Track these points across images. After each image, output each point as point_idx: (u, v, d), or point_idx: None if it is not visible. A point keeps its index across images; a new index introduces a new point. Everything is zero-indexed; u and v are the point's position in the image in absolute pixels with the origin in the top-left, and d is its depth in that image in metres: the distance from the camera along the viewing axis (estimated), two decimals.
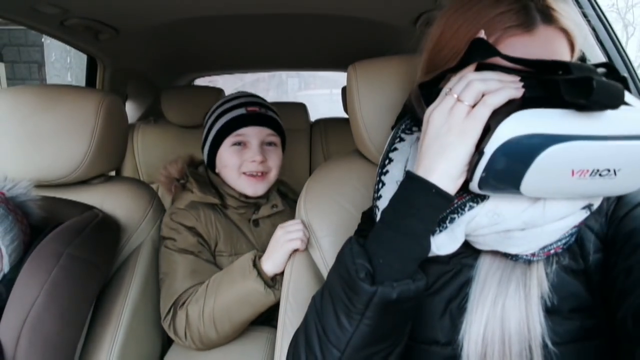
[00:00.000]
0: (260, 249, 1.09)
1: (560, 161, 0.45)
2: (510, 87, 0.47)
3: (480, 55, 0.50)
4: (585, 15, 0.73)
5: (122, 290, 0.98)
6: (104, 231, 0.93)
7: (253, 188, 1.11)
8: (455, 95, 0.49)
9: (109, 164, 1.06)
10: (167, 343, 1.13)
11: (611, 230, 0.55)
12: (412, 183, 0.51)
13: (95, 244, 0.87)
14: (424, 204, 0.50)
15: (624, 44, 0.80)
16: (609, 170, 0.45)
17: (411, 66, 0.57)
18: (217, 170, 1.15)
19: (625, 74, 0.76)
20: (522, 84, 0.48)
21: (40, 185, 0.94)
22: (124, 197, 1.06)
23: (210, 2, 1.25)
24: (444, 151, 0.49)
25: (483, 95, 0.48)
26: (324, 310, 0.55)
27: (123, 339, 0.93)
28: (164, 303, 1.02)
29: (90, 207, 0.96)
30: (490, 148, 0.46)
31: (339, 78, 2.53)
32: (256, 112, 1.12)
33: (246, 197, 1.13)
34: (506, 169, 0.46)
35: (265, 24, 1.49)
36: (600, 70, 0.47)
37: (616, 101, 0.43)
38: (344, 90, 2.15)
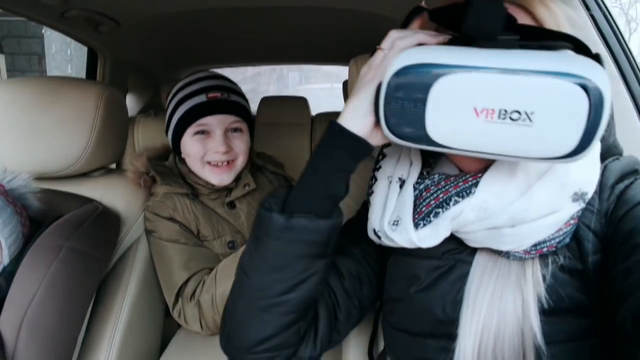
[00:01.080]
0: (241, 229, 1.10)
1: (457, 95, 0.43)
2: (423, 34, 0.50)
3: (413, 15, 0.55)
4: (588, 9, 0.73)
5: (121, 283, 0.98)
6: (104, 224, 0.93)
7: (219, 178, 1.07)
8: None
9: (109, 156, 1.06)
10: (167, 335, 1.14)
11: (610, 230, 0.54)
12: (328, 128, 0.55)
13: (95, 237, 0.87)
14: (332, 144, 0.54)
15: (626, 39, 0.80)
16: (519, 114, 0.41)
17: None
18: (183, 157, 1.11)
19: (629, 69, 0.76)
20: (445, 37, 0.50)
21: (40, 178, 0.94)
22: (124, 190, 1.06)
23: None
24: (357, 92, 0.53)
25: None
26: (245, 250, 0.60)
27: (123, 332, 0.94)
28: (168, 295, 1.02)
29: (90, 200, 0.96)
30: (385, 79, 0.46)
31: (340, 72, 2.52)
32: (217, 98, 1.05)
33: (213, 184, 1.10)
34: (406, 105, 0.46)
35: (266, 17, 1.48)
36: (566, 44, 0.45)
37: (494, 20, 0.43)
38: (345, 84, 2.15)
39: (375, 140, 0.54)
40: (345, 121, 0.53)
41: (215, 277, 0.98)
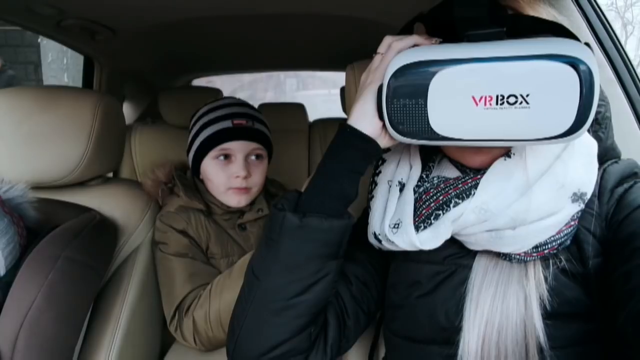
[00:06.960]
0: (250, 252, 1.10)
1: (455, 87, 0.45)
2: (417, 36, 0.52)
3: (412, 23, 0.58)
4: (584, 14, 0.73)
5: (120, 292, 0.98)
6: (102, 233, 0.93)
7: (237, 199, 1.10)
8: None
9: (106, 165, 1.06)
10: (165, 345, 1.13)
11: (610, 234, 0.54)
12: (339, 131, 0.56)
13: (93, 247, 0.87)
14: (342, 145, 0.56)
15: (623, 43, 0.80)
16: (515, 97, 0.43)
17: None
18: (201, 177, 1.14)
19: (625, 73, 0.76)
20: (437, 39, 0.52)
21: (37, 187, 0.93)
22: (122, 199, 1.06)
23: (208, 3, 1.24)
24: (361, 94, 0.54)
25: None
26: (255, 254, 0.61)
27: (121, 342, 0.93)
28: (167, 308, 1.02)
29: (87, 209, 0.96)
30: (384, 82, 0.48)
31: (337, 78, 2.53)
32: (243, 125, 1.09)
33: (229, 206, 1.12)
34: (407, 103, 0.47)
35: (263, 24, 1.48)
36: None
37: (479, 6, 0.45)
38: (342, 90, 2.15)
39: (384, 141, 0.55)
40: (355, 123, 0.54)
41: (209, 293, 0.97)
